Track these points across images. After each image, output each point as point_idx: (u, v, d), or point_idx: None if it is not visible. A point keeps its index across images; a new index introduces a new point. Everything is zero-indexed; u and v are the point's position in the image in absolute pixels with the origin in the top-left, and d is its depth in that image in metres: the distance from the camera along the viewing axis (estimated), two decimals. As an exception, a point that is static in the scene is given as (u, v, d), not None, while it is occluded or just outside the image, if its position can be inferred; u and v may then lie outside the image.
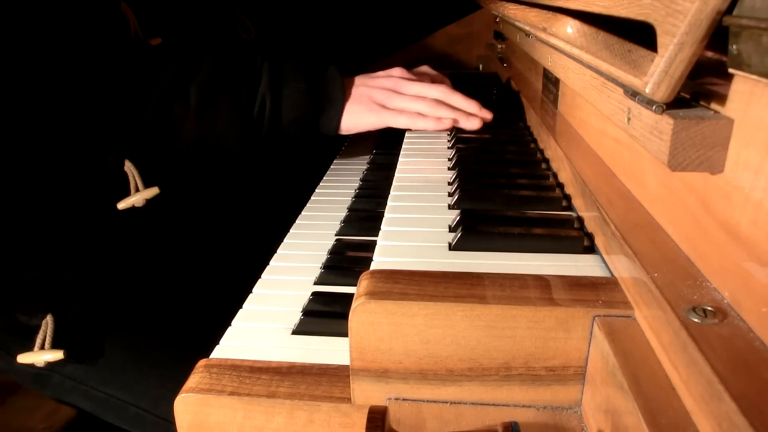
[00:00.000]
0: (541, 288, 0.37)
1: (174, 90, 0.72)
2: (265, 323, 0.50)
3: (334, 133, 0.80)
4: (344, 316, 0.37)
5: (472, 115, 0.80)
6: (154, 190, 0.79)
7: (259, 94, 0.75)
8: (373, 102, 0.79)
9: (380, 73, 0.83)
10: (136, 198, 0.78)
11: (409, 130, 0.81)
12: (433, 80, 0.87)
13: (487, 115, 0.80)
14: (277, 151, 1.00)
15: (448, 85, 0.86)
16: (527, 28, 0.66)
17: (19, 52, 0.66)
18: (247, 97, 0.75)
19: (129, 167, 0.77)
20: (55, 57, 0.68)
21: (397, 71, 0.84)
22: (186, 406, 0.41)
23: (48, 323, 0.73)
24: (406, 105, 0.79)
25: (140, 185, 0.78)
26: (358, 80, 0.82)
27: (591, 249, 0.45)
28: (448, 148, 0.76)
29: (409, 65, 1.03)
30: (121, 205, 0.78)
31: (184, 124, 0.73)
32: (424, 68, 0.95)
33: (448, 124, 0.77)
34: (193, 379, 0.42)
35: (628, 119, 0.37)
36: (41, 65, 0.67)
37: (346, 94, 0.79)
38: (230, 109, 0.74)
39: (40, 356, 0.72)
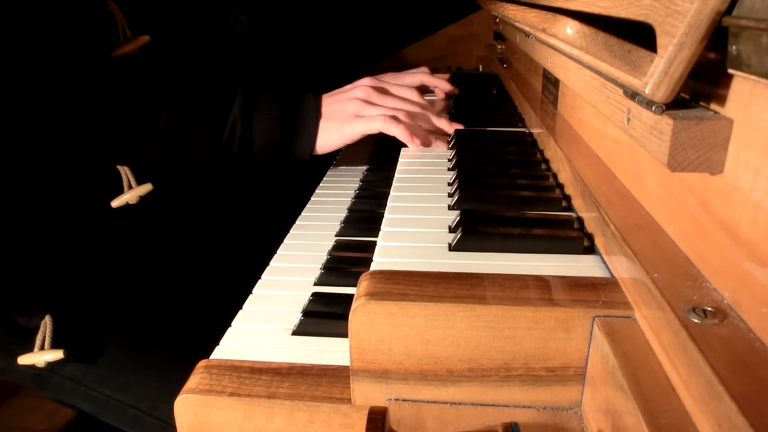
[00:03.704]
0: (541, 288, 0.37)
1: (144, 110, 0.72)
2: (265, 324, 0.50)
3: (307, 158, 0.78)
4: (344, 316, 0.37)
5: (443, 134, 0.80)
6: (147, 187, 0.79)
7: (230, 119, 0.74)
8: (346, 114, 0.78)
9: (348, 86, 0.82)
10: (130, 195, 0.78)
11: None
12: (406, 90, 0.85)
13: (457, 127, 0.80)
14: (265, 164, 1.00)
15: (418, 98, 0.84)
16: (527, 28, 0.66)
17: (3, 54, 0.66)
18: (218, 121, 0.74)
19: (121, 165, 0.77)
20: (39, 58, 0.67)
21: (367, 80, 0.82)
22: (186, 406, 0.41)
23: (47, 324, 0.73)
24: (379, 111, 0.78)
25: (133, 182, 0.78)
26: (329, 98, 0.80)
27: (591, 249, 0.45)
28: (449, 148, 0.76)
29: (409, 66, 1.02)
30: (115, 203, 0.78)
31: (152, 144, 0.73)
32: (419, 73, 0.95)
33: (418, 143, 0.76)
34: (193, 380, 0.42)
35: (628, 120, 0.37)
36: (24, 67, 0.67)
37: (319, 118, 0.77)
38: (199, 132, 0.74)
39: (41, 356, 0.72)
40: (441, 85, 0.99)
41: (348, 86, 0.82)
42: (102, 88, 0.71)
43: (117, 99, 0.71)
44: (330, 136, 0.77)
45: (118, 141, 0.73)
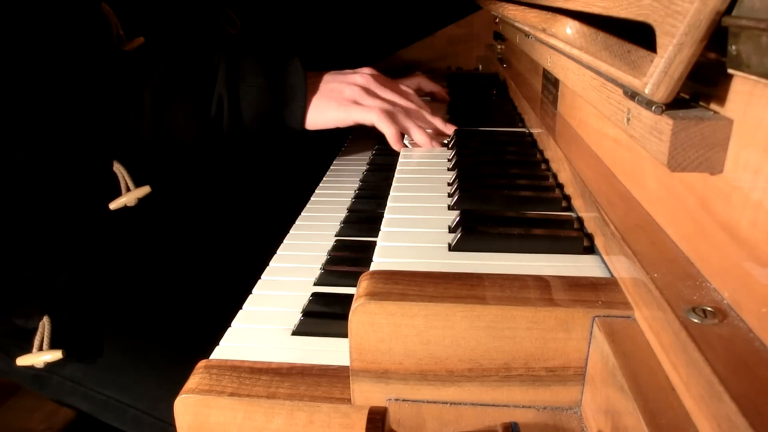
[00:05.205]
0: (541, 288, 0.37)
1: (127, 95, 0.71)
2: (265, 324, 0.50)
3: (300, 127, 0.77)
4: (344, 316, 0.37)
5: (438, 134, 0.80)
6: (145, 189, 0.78)
7: (216, 93, 0.73)
8: (343, 98, 0.77)
9: (350, 71, 0.82)
10: (128, 198, 0.78)
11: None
12: (403, 92, 0.85)
13: (449, 131, 0.80)
14: (276, 149, 0.99)
15: (416, 98, 0.85)
16: (527, 28, 0.66)
17: None
18: (203, 97, 0.73)
19: (118, 167, 0.77)
20: (32, 59, 0.67)
21: (368, 70, 0.82)
22: (186, 407, 0.41)
23: (45, 325, 0.73)
24: (377, 104, 0.77)
25: (131, 185, 0.78)
26: (329, 76, 0.80)
27: (591, 249, 0.45)
28: (448, 148, 0.76)
29: (408, 67, 1.03)
30: (113, 206, 0.78)
31: (140, 128, 0.72)
32: (416, 77, 0.95)
33: (399, 147, 0.76)
34: (193, 380, 0.42)
35: (628, 120, 0.37)
36: (16, 67, 0.67)
37: (310, 87, 0.76)
38: (186, 109, 0.73)
39: (39, 357, 0.72)
40: (437, 90, 1.01)
41: (350, 71, 0.82)
42: (95, 85, 0.71)
43: (102, 90, 0.71)
44: (321, 113, 0.77)
45: (105, 131, 0.72)
